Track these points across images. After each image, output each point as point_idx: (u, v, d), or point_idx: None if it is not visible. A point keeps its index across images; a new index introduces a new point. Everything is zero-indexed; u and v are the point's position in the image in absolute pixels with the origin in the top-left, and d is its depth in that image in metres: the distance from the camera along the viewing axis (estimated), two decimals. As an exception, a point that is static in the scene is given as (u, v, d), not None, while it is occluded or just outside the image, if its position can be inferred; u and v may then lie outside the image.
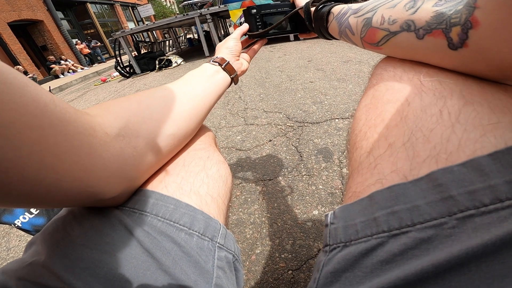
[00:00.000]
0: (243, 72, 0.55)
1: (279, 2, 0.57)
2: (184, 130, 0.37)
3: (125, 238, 0.27)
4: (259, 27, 0.57)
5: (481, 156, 0.17)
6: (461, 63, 0.23)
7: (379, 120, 0.26)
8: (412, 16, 0.26)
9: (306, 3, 0.50)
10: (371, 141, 0.26)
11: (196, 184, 0.35)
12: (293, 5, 0.55)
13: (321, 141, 1.28)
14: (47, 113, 0.21)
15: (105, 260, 0.25)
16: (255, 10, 0.55)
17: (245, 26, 0.56)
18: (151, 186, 0.33)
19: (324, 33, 0.46)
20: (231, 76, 0.49)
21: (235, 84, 0.53)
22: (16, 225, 0.81)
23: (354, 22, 0.35)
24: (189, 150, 0.40)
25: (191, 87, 0.41)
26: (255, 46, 0.61)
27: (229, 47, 0.53)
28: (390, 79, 0.29)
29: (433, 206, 0.17)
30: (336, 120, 1.45)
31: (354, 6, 0.36)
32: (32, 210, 0.83)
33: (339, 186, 0.98)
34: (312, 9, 0.48)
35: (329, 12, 0.42)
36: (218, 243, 0.31)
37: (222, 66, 0.48)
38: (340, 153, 1.16)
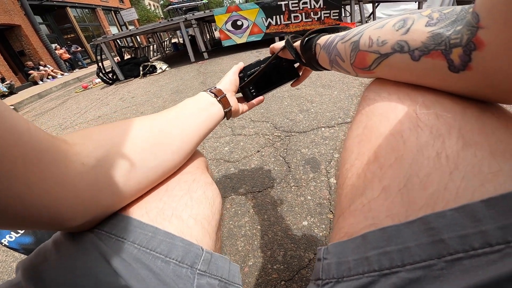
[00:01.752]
0: (236, 110, 0.54)
1: (260, 59, 0.58)
2: (170, 163, 0.37)
3: (99, 264, 0.27)
4: (252, 90, 0.58)
5: (475, 202, 0.17)
6: (463, 86, 0.23)
7: (372, 157, 0.26)
8: (404, 36, 0.25)
9: (286, 39, 0.49)
10: (363, 180, 0.25)
11: (179, 208, 0.34)
12: (275, 57, 0.55)
13: (308, 151, 1.31)
14: (21, 143, 0.20)
15: (79, 285, 0.25)
16: (242, 74, 0.56)
17: (241, 64, 0.58)
18: (132, 212, 0.32)
19: (315, 65, 0.45)
20: (225, 110, 0.49)
21: (227, 119, 0.52)
22: (3, 244, 0.80)
23: (342, 47, 0.34)
24: (174, 174, 0.40)
25: (183, 119, 0.41)
26: (254, 101, 0.60)
27: (227, 79, 0.53)
28: (384, 107, 0.27)
29: (423, 248, 0.18)
30: (323, 128, 1.49)
31: (341, 33, 0.35)
32: (18, 230, 0.81)
33: (327, 196, 1.01)
34: (296, 44, 0.48)
35: (315, 44, 0.41)
36: (199, 270, 0.31)
37: (218, 98, 0.48)
38: (327, 163, 1.19)
